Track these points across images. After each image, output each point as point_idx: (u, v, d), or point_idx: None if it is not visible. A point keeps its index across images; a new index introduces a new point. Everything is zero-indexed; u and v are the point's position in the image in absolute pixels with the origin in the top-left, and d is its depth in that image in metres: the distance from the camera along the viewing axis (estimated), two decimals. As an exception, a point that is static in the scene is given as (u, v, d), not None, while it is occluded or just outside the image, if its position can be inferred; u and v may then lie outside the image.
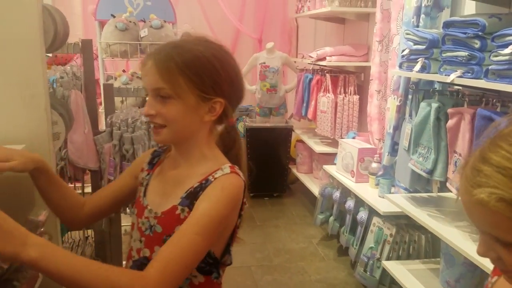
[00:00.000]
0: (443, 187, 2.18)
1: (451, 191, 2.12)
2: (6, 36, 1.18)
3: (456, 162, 1.98)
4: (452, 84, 1.94)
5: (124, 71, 3.58)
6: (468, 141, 1.88)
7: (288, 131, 4.63)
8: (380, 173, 2.92)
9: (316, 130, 4.04)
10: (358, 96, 3.76)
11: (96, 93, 2.16)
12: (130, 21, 3.03)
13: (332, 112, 3.76)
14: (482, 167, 0.65)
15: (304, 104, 4.24)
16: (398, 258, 2.64)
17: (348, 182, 3.20)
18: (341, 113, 3.76)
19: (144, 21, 3.15)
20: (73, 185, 2.07)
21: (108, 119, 2.02)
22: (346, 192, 3.28)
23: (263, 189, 4.61)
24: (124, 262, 1.24)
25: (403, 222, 2.68)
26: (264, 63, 4.62)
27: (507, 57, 1.63)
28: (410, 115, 2.40)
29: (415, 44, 2.21)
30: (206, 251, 0.98)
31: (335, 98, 3.77)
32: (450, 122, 1.99)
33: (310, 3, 4.26)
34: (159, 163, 1.16)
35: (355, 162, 3.17)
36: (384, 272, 2.61)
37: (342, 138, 3.64)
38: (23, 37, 1.19)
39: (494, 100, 1.88)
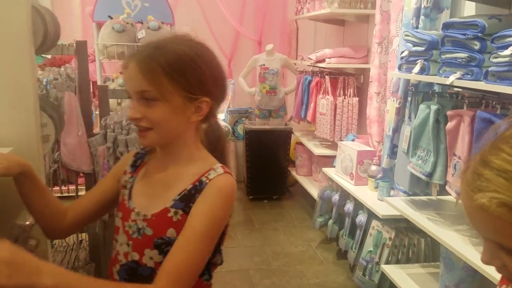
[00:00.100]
0: (442, 190, 2.16)
1: (450, 194, 2.09)
2: (-6, 37, 1.16)
3: (455, 165, 1.96)
4: (451, 86, 1.92)
5: (121, 73, 3.55)
6: (468, 144, 1.85)
7: (288, 133, 4.60)
8: (379, 176, 2.89)
9: (315, 133, 4.02)
10: (357, 98, 3.74)
11: (95, 95, 2.14)
12: (128, 23, 3.01)
13: (331, 114, 3.74)
14: (482, 170, 0.62)
15: (304, 106, 4.21)
16: (397, 262, 2.61)
17: (347, 184, 3.17)
18: (340, 115, 3.73)
19: (142, 23, 3.13)
20: (66, 188, 2.05)
21: (102, 121, 2.00)
22: (345, 195, 3.25)
23: (262, 191, 4.59)
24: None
25: (402, 225, 2.65)
26: (264, 65, 4.60)
27: (507, 59, 1.60)
28: (410, 118, 2.38)
29: (414, 45, 2.19)
30: (210, 254, 1.00)
31: (334, 100, 3.75)
32: (450, 125, 1.97)
33: (309, 4, 4.23)
34: (143, 165, 1.14)
35: (354, 164, 3.14)
36: (383, 276, 2.58)
37: (341, 140, 3.61)
38: (11, 38, 1.17)
39: (494, 102, 1.85)
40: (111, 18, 3.06)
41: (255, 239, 3.68)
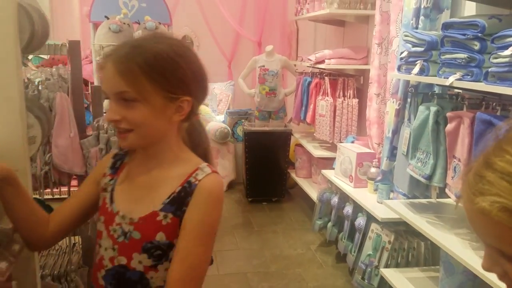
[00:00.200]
0: (442, 193, 2.13)
1: (450, 197, 2.06)
2: (-22, 36, 1.13)
3: (455, 167, 1.93)
4: (451, 87, 1.88)
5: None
6: (468, 146, 1.82)
7: (287, 135, 4.57)
8: (378, 178, 2.86)
9: (314, 134, 3.98)
10: (357, 100, 3.70)
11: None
12: (124, 23, 2.99)
13: (331, 116, 3.70)
14: (485, 173, 0.59)
15: (303, 108, 4.18)
16: (397, 265, 2.57)
17: (347, 187, 3.14)
18: (340, 117, 3.69)
19: (139, 23, 3.11)
20: (58, 190, 2.01)
21: (95, 122, 1.96)
22: (345, 198, 3.21)
23: (262, 193, 4.55)
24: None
25: (402, 228, 2.62)
26: (264, 66, 4.57)
27: (507, 59, 1.57)
28: (409, 119, 2.34)
29: (413, 46, 2.16)
30: (211, 256, 1.01)
31: (334, 102, 3.71)
32: (449, 126, 1.93)
33: (309, 5, 4.21)
34: (123, 166, 1.11)
35: (354, 166, 3.11)
36: (382, 280, 2.55)
37: (341, 142, 3.57)
38: (-4, 37, 1.14)
39: (494, 104, 1.82)
40: (108, 18, 3.04)
41: (253, 241, 3.65)
